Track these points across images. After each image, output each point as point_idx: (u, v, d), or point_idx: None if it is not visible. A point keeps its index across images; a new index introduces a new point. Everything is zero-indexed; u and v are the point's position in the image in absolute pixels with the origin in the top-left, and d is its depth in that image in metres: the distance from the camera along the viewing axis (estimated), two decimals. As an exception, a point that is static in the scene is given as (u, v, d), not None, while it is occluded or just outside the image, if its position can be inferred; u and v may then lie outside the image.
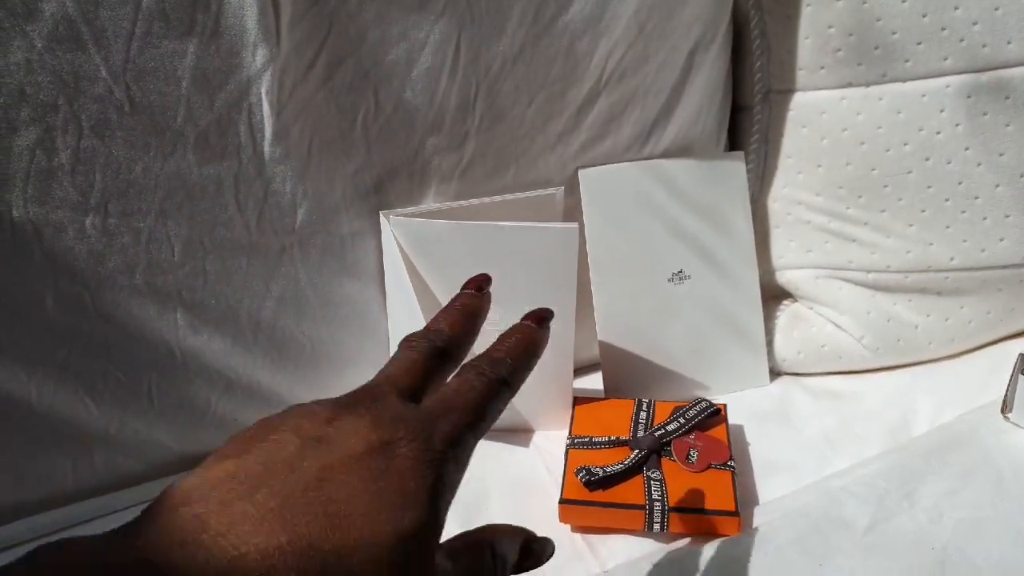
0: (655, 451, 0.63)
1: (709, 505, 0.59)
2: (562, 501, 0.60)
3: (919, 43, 0.68)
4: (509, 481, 0.66)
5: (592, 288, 0.72)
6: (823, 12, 0.69)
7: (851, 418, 0.72)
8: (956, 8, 0.67)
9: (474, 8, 0.61)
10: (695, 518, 0.59)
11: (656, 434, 0.64)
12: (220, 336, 0.62)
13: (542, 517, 0.61)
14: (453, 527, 0.60)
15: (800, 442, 0.70)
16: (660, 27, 0.67)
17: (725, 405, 0.69)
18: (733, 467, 0.62)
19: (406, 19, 0.60)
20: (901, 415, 0.72)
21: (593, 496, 0.60)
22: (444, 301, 0.66)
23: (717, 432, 0.66)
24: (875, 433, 0.70)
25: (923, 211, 0.72)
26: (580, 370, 0.77)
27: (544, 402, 0.70)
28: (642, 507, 0.59)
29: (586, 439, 0.65)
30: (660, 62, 0.69)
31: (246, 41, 0.55)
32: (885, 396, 0.74)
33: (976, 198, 0.71)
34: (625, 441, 0.65)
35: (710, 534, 0.59)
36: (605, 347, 0.73)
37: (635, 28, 0.66)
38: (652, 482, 0.61)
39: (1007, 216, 0.71)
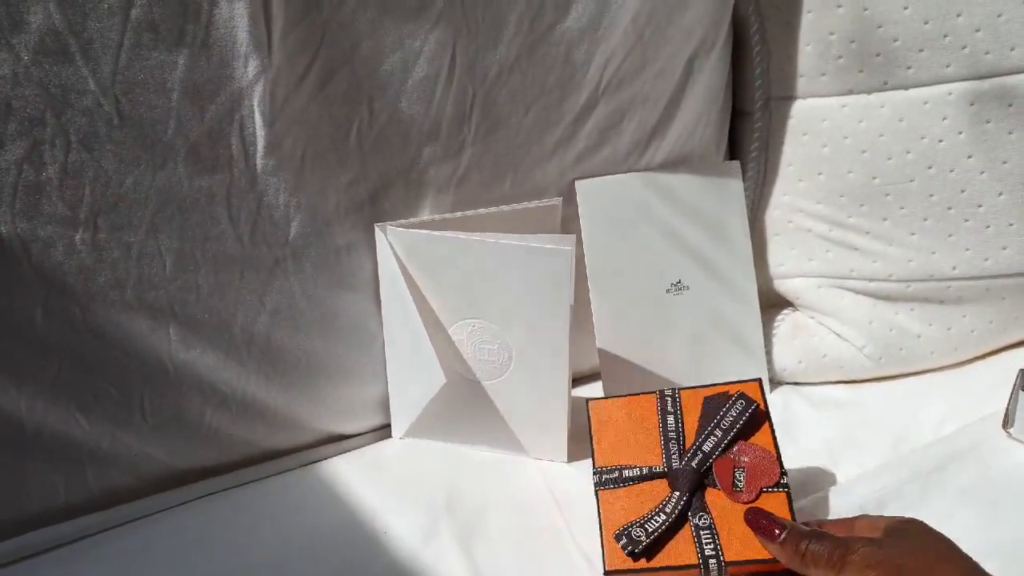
0: (697, 487, 0.55)
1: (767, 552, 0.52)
2: (607, 572, 0.53)
3: (921, 50, 0.67)
4: (509, 497, 0.65)
5: (590, 298, 0.71)
6: (824, 19, 0.69)
7: (852, 428, 0.71)
8: (959, 15, 0.66)
9: (470, 17, 0.60)
10: (757, 567, 0.53)
11: (695, 463, 0.55)
12: (213, 350, 0.61)
13: (541, 535, 0.61)
14: (451, 544, 0.60)
15: (801, 452, 0.69)
16: (659, 34, 0.66)
17: (761, 385, 0.59)
18: (787, 485, 0.55)
19: (401, 28, 0.59)
20: (903, 425, 0.71)
21: (639, 564, 0.53)
22: (440, 313, 0.66)
23: (761, 437, 0.57)
24: (877, 443, 0.69)
25: (925, 220, 0.71)
26: (580, 380, 0.76)
27: (538, 428, 0.68)
28: (696, 567, 0.53)
29: (614, 472, 0.57)
30: (659, 69, 0.68)
31: (237, 52, 0.54)
32: (887, 406, 0.74)
33: (979, 206, 0.70)
34: (661, 473, 0.56)
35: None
36: (604, 357, 0.72)
37: (633, 35, 0.65)
38: (702, 533, 0.53)
39: (1010, 224, 0.71)
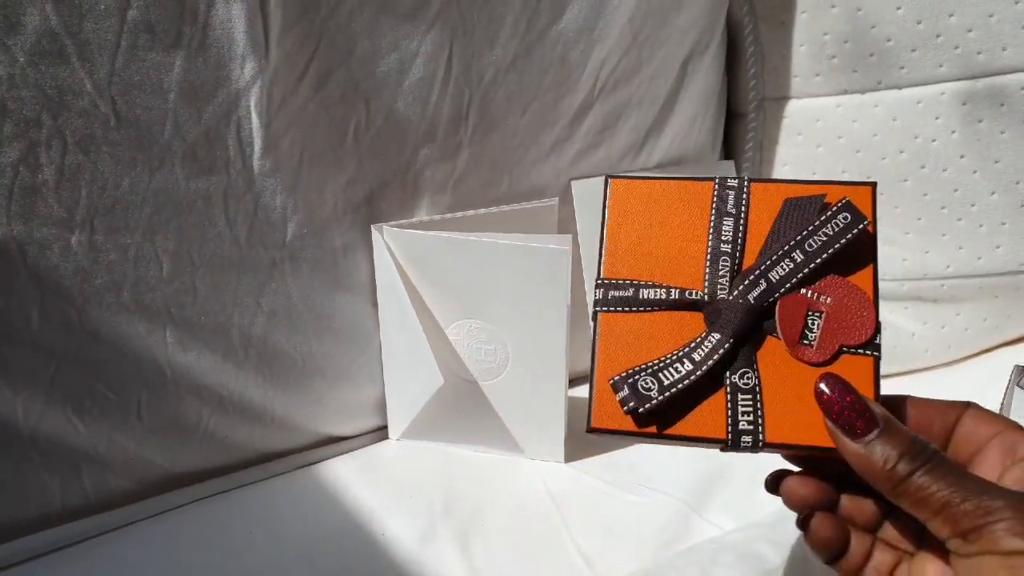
0: (748, 331, 0.37)
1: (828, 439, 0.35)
2: (591, 430, 0.38)
3: (914, 50, 0.68)
4: (506, 498, 0.65)
5: (587, 299, 0.71)
6: (818, 19, 0.69)
7: (848, 427, 0.72)
8: (951, 15, 0.66)
9: (466, 18, 0.60)
10: (806, 452, 0.37)
11: (752, 295, 0.37)
12: (210, 352, 0.61)
13: (539, 536, 0.61)
14: (449, 545, 0.60)
15: (797, 452, 0.69)
16: (654, 35, 0.67)
17: (874, 193, 0.39)
18: (879, 348, 0.37)
19: (397, 29, 0.59)
20: (898, 424, 0.71)
21: (642, 428, 0.37)
22: (437, 313, 0.66)
23: (859, 276, 0.38)
24: (872, 442, 0.69)
25: (919, 219, 0.72)
26: (577, 380, 0.76)
27: (535, 429, 0.68)
28: (721, 442, 0.37)
29: (627, 288, 0.39)
30: (654, 70, 0.68)
31: (234, 53, 0.54)
32: (882, 404, 0.74)
33: (972, 205, 0.71)
34: (696, 301, 0.38)
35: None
36: (600, 358, 0.72)
37: (629, 36, 0.66)
38: (740, 397, 0.37)
39: (1003, 223, 0.71)
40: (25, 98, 0.50)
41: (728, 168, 0.76)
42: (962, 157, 0.70)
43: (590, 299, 0.70)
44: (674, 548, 0.59)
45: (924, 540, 0.35)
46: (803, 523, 0.38)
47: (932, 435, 0.37)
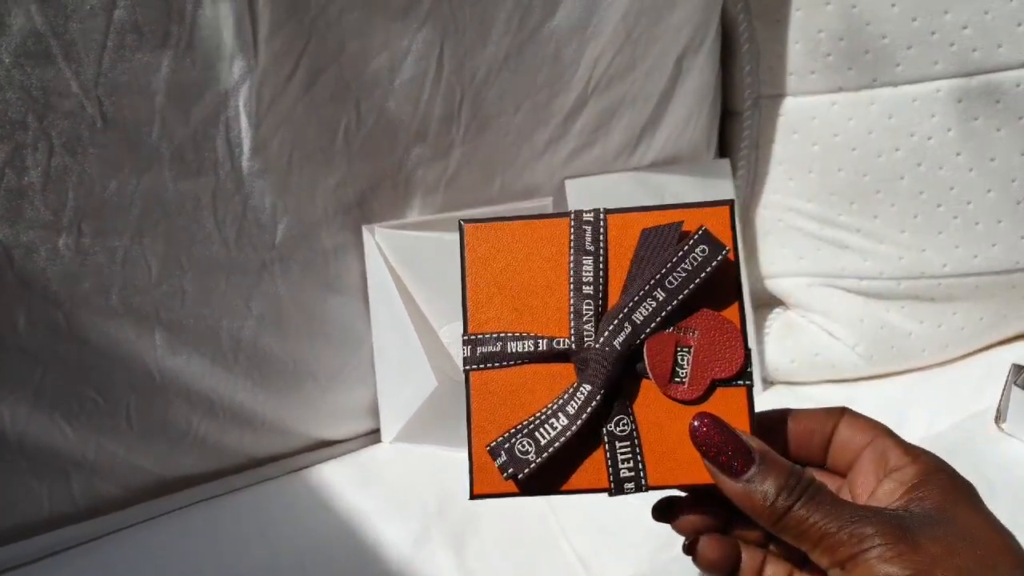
0: (618, 376, 0.36)
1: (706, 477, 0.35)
2: (475, 497, 0.37)
3: (909, 47, 0.67)
4: (500, 501, 0.64)
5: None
6: (813, 17, 0.69)
7: (845, 427, 0.71)
8: (946, 12, 0.66)
9: (458, 15, 0.60)
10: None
11: (617, 340, 0.35)
12: (200, 356, 0.60)
13: (534, 538, 0.60)
14: (443, 549, 0.59)
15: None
16: (647, 33, 0.66)
17: (732, 211, 0.37)
18: (751, 376, 0.36)
19: (388, 28, 0.58)
20: (895, 423, 0.69)
21: (524, 491, 0.37)
22: (430, 315, 0.65)
23: (727, 305, 0.37)
24: (869, 442, 0.69)
25: (915, 217, 0.71)
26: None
27: None
28: (605, 490, 0.36)
29: (495, 340, 0.37)
30: (648, 68, 0.68)
31: (222, 53, 0.54)
32: (878, 404, 0.73)
33: (968, 203, 0.70)
34: (563, 352, 0.36)
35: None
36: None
37: (622, 34, 0.65)
38: (618, 445, 0.36)
39: (999, 221, 0.71)
40: (10, 100, 0.49)
41: (724, 167, 0.75)
42: (958, 155, 0.69)
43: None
44: (670, 551, 0.58)
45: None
46: (690, 547, 0.37)
47: (812, 446, 0.38)
